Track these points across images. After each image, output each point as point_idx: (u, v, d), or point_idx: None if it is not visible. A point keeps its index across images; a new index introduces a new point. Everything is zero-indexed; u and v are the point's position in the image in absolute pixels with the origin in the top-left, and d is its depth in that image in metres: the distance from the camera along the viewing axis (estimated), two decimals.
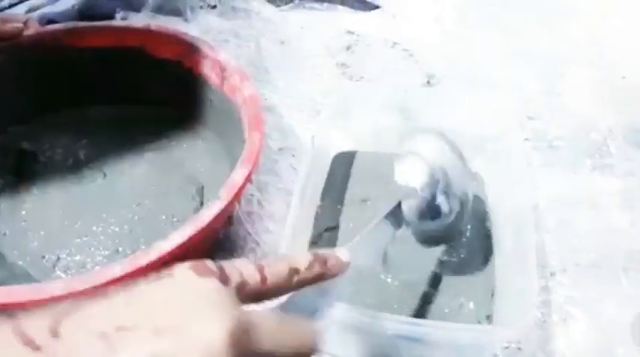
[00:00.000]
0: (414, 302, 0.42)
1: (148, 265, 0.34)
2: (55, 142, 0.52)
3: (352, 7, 0.69)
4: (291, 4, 0.67)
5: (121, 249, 0.45)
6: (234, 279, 0.23)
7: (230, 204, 0.39)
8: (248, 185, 0.42)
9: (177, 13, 0.65)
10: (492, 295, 0.42)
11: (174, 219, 0.46)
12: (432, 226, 0.42)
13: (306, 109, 0.58)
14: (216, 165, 0.50)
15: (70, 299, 0.21)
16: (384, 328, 0.37)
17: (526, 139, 0.55)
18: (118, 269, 0.34)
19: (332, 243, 0.46)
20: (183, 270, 0.23)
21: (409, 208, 0.40)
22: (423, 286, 0.43)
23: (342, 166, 0.52)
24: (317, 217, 0.48)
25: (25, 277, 0.43)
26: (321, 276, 0.28)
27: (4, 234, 0.45)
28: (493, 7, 0.66)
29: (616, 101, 0.58)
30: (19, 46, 0.50)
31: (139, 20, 0.64)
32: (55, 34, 0.51)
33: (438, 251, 0.45)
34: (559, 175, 0.53)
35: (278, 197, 0.51)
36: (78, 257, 0.44)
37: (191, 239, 0.36)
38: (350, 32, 0.65)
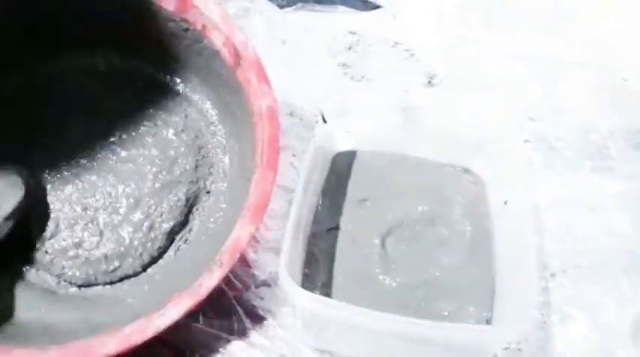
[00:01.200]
0: (413, 304, 0.42)
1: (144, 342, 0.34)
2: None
3: (353, 7, 0.69)
4: (294, 6, 0.67)
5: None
6: None
7: (232, 270, 0.36)
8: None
9: None
10: (492, 296, 0.42)
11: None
12: None
13: (307, 108, 0.58)
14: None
15: None
16: (383, 328, 0.37)
17: (526, 141, 0.55)
18: (112, 346, 0.34)
19: (332, 242, 0.46)
20: None
21: None
22: (422, 288, 0.43)
23: (343, 165, 0.52)
24: (317, 216, 0.48)
25: None
26: None
27: None
28: (494, 8, 0.66)
29: (616, 103, 0.58)
30: None
31: None
32: None
33: (438, 252, 0.45)
34: (559, 176, 0.53)
35: (278, 194, 0.51)
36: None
37: (188, 312, 0.35)
38: (352, 32, 0.65)
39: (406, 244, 0.46)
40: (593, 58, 0.61)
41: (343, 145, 0.53)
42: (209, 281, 0.36)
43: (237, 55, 0.42)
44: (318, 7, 0.68)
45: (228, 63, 0.43)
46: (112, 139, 0.48)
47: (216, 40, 0.43)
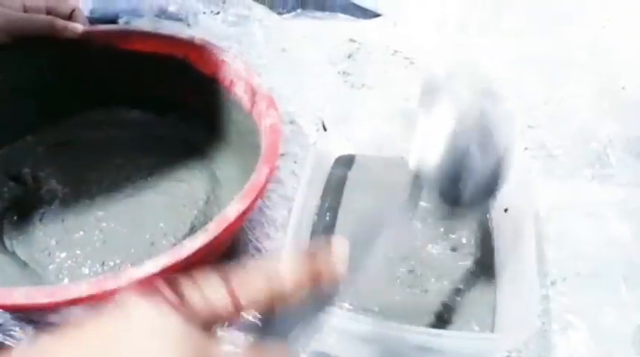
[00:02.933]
0: (414, 311, 0.42)
1: (116, 289, 0.34)
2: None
3: (353, 15, 0.69)
4: (293, 13, 0.67)
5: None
6: (199, 311, 0.21)
7: (217, 238, 0.37)
8: (242, 221, 0.40)
9: (180, 18, 0.65)
10: (494, 305, 0.42)
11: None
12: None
13: (308, 116, 0.58)
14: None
15: (30, 310, 0.21)
16: (384, 336, 0.37)
17: (525, 148, 0.56)
18: (84, 288, 0.34)
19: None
20: (137, 304, 0.20)
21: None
22: (423, 295, 0.43)
23: (343, 169, 0.52)
24: (315, 222, 0.48)
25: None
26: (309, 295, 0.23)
27: None
28: (494, 16, 0.67)
29: (616, 111, 0.58)
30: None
31: (142, 24, 0.64)
32: (107, 34, 0.53)
33: (440, 258, 0.46)
34: (558, 183, 0.53)
35: (279, 203, 0.51)
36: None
37: (166, 269, 0.35)
38: (352, 40, 0.66)
39: (407, 247, 0.46)
40: (593, 67, 0.61)
41: (343, 151, 0.53)
42: (192, 243, 0.36)
43: (253, 94, 0.47)
44: (317, 14, 0.68)
45: (246, 108, 0.48)
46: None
47: (239, 88, 0.49)
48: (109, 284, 0.34)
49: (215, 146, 0.53)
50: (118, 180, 0.49)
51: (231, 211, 0.39)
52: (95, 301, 0.34)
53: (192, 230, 0.46)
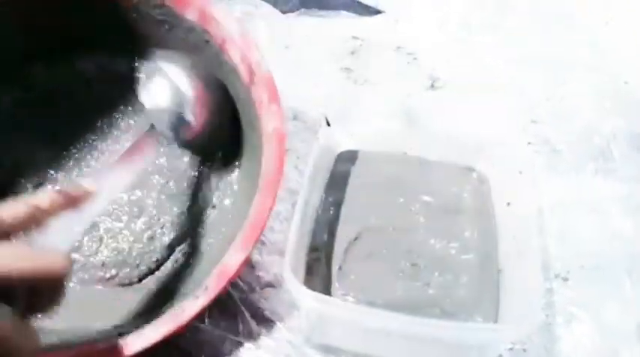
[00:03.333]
0: (417, 302, 0.42)
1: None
2: None
3: (356, 12, 0.70)
4: (297, 12, 0.67)
5: None
6: None
7: (217, 295, 0.36)
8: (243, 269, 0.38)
9: None
10: (497, 298, 0.42)
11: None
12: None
13: (311, 112, 0.58)
14: None
15: None
16: (389, 327, 0.37)
17: (529, 143, 0.56)
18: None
19: (331, 243, 0.46)
20: None
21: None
22: (427, 288, 0.44)
23: (346, 165, 0.52)
24: (318, 216, 0.48)
25: None
26: (65, 206, 0.31)
27: None
28: (497, 12, 0.67)
29: (619, 106, 0.58)
30: None
31: None
32: None
33: (444, 252, 0.46)
34: (562, 178, 0.53)
35: (283, 197, 0.51)
36: None
37: (167, 337, 0.35)
38: (354, 37, 0.66)
39: (410, 242, 0.46)
40: (595, 61, 0.61)
41: (346, 147, 0.53)
42: (192, 307, 0.35)
43: (251, 73, 0.42)
44: (321, 12, 0.69)
45: (244, 80, 0.42)
46: (117, 147, 0.48)
47: (234, 56, 0.42)
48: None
49: None
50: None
51: (232, 261, 0.36)
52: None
53: None
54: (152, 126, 0.41)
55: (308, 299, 0.37)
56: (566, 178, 0.53)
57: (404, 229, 0.47)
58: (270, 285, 0.46)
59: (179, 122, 0.41)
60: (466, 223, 0.47)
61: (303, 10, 0.69)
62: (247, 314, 0.44)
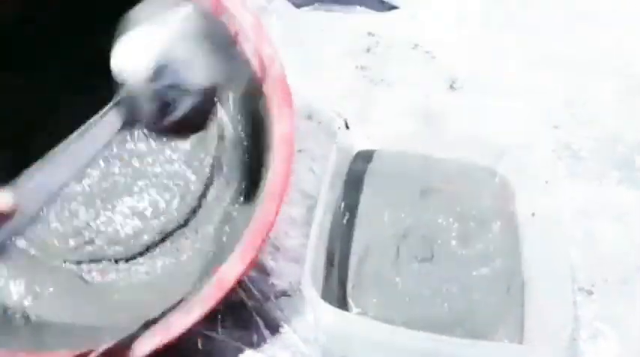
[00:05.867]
0: (441, 323, 0.41)
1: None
2: None
3: (371, 7, 0.68)
4: (311, 6, 0.65)
5: None
6: None
7: (214, 306, 0.34)
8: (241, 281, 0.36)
9: None
10: (522, 313, 0.41)
11: None
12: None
13: (326, 111, 0.56)
14: None
15: None
16: (412, 345, 0.35)
17: (553, 150, 0.54)
18: None
19: (345, 254, 0.45)
20: None
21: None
22: (443, 300, 0.42)
23: (362, 165, 0.50)
24: (336, 217, 0.46)
25: None
26: None
27: None
28: (517, 9, 0.65)
29: None
30: None
31: None
32: None
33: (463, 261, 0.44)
34: (585, 186, 0.52)
35: (297, 201, 0.49)
36: None
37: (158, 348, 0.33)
38: (370, 34, 0.64)
39: (429, 251, 0.45)
40: (620, 64, 0.60)
41: (363, 147, 0.52)
42: (183, 320, 0.33)
43: (263, 70, 0.39)
44: (335, 7, 0.66)
45: (256, 75, 0.39)
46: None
47: (247, 48, 0.39)
48: None
49: None
50: None
51: (230, 276, 0.34)
52: None
53: None
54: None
55: (328, 315, 0.35)
56: (588, 187, 0.52)
57: (423, 235, 0.45)
58: (285, 294, 0.44)
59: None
60: (490, 228, 0.46)
61: (317, 4, 0.66)
62: (262, 324, 0.43)
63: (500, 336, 0.39)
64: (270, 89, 0.39)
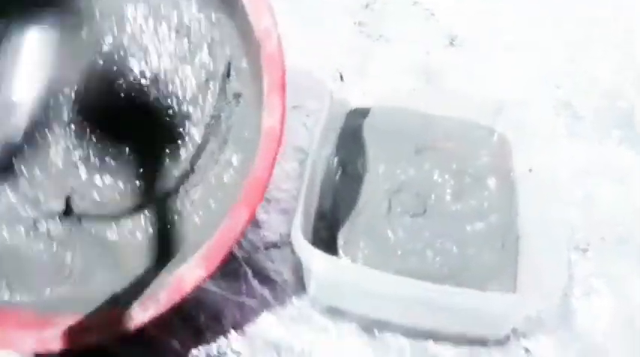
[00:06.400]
0: (436, 274, 0.40)
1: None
2: None
3: None
4: None
5: None
6: None
7: (167, 310, 0.32)
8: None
9: None
10: (516, 267, 0.40)
11: None
12: None
13: (323, 67, 0.55)
14: None
15: None
16: (405, 293, 0.35)
17: (551, 106, 0.53)
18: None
19: (341, 198, 0.44)
20: None
21: None
22: (436, 254, 0.41)
23: (356, 120, 0.49)
24: (328, 171, 0.45)
25: None
26: None
27: None
28: None
29: None
30: None
31: None
32: None
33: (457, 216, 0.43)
34: (585, 146, 0.51)
35: (290, 155, 0.48)
36: None
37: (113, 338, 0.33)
38: None
39: (421, 206, 0.44)
40: (619, 25, 0.58)
41: (359, 104, 0.50)
42: (140, 316, 0.32)
43: (258, 45, 0.35)
44: None
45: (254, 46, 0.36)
46: None
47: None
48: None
49: None
50: None
51: (189, 279, 0.32)
52: None
53: None
54: None
55: (319, 261, 0.35)
56: (588, 146, 0.51)
57: (417, 191, 0.44)
58: (275, 245, 0.44)
59: None
60: (486, 185, 0.45)
61: None
62: (250, 274, 0.42)
63: (493, 286, 0.39)
64: (263, 68, 0.35)
